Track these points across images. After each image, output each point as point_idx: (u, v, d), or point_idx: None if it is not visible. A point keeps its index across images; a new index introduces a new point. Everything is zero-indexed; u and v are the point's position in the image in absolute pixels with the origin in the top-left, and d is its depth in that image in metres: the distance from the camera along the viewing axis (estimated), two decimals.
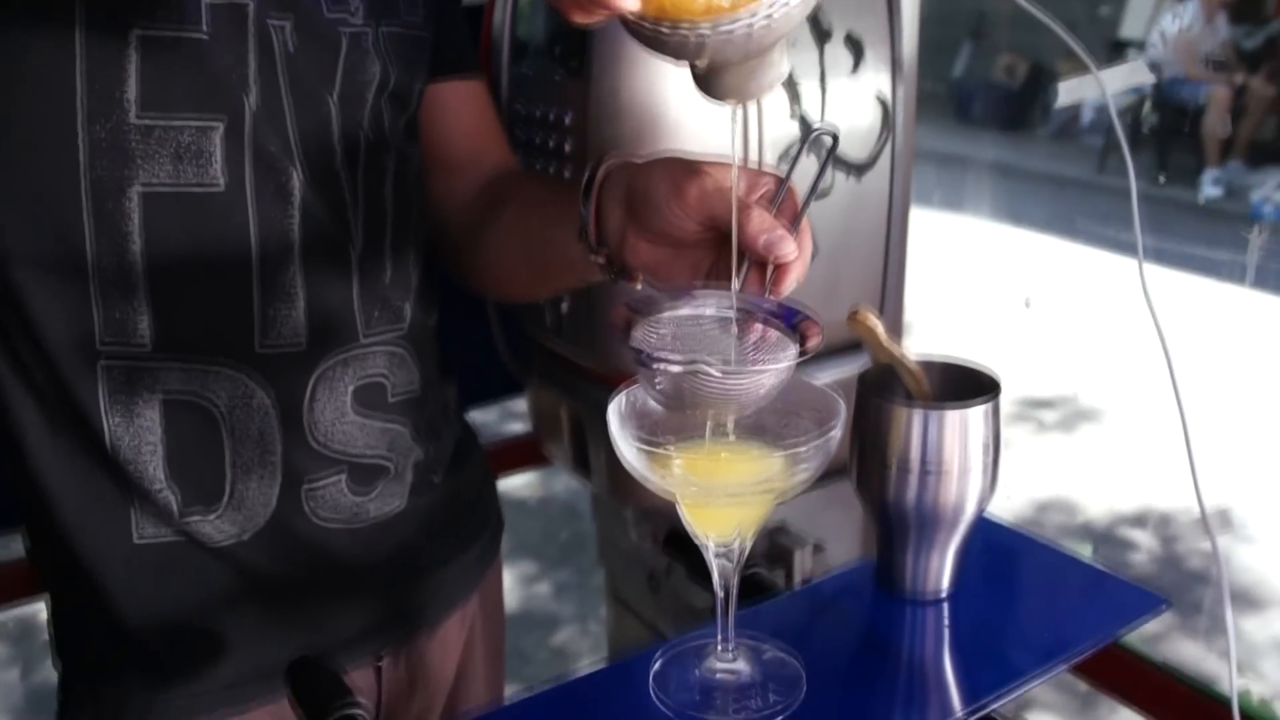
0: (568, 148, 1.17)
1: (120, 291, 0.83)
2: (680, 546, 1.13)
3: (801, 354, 0.66)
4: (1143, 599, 0.84)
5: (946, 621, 0.83)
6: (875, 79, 1.21)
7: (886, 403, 0.80)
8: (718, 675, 0.75)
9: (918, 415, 0.79)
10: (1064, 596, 0.86)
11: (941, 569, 0.84)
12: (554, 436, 1.39)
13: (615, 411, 0.68)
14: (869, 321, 0.79)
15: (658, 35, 0.57)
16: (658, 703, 0.73)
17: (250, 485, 0.90)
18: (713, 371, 0.63)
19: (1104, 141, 6.96)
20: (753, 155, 1.15)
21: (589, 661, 2.78)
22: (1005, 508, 0.83)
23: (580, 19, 0.58)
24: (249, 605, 0.92)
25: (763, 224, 0.70)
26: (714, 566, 0.73)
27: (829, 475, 0.69)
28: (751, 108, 1.14)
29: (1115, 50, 7.13)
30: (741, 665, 0.76)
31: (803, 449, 0.65)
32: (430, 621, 1.04)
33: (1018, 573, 0.91)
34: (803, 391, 0.70)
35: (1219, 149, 5.96)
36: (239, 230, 0.84)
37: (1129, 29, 7.60)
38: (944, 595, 0.85)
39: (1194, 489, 1.01)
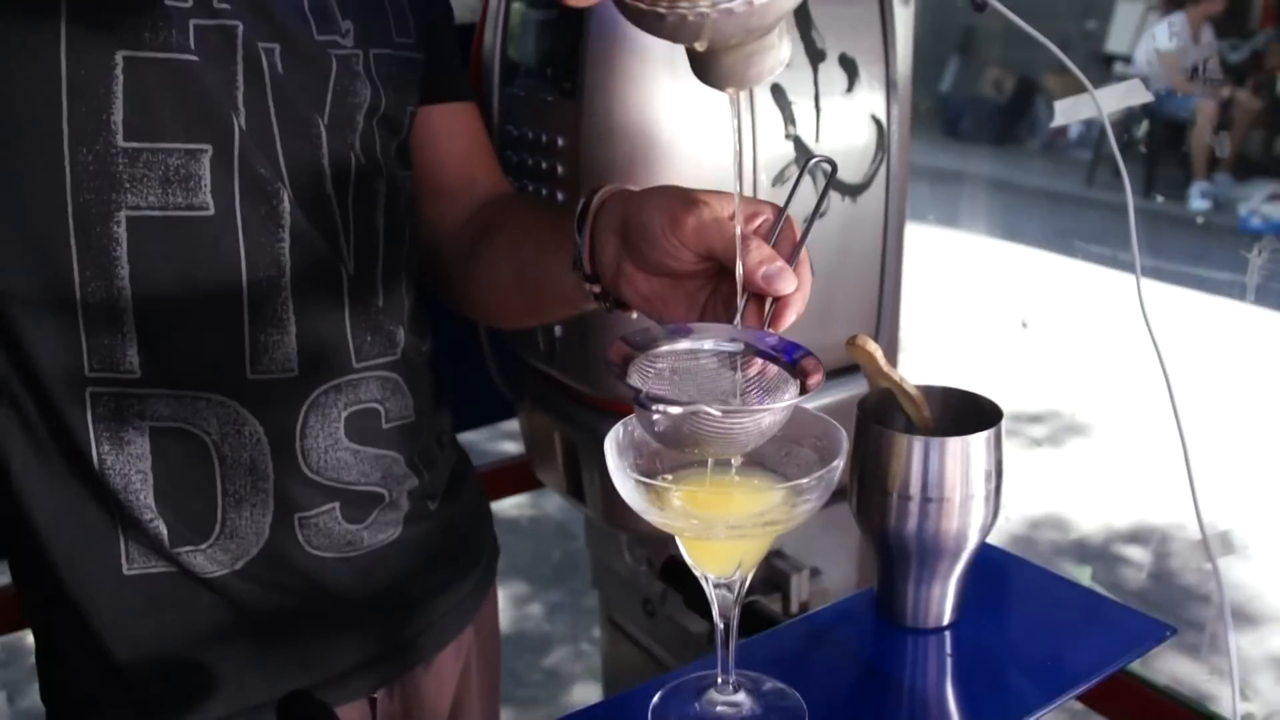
0: (560, 170, 1.17)
1: (108, 318, 0.81)
2: (678, 576, 1.12)
3: (802, 392, 0.65)
4: (1147, 627, 0.83)
5: (949, 651, 0.82)
6: (870, 99, 1.21)
7: (887, 431, 0.79)
8: (718, 709, 0.74)
9: (919, 444, 0.78)
10: (1068, 625, 0.85)
11: (944, 598, 0.83)
12: (547, 461, 1.38)
13: (613, 443, 0.67)
14: (868, 347, 0.78)
15: (655, 14, 0.54)
16: None
17: (242, 515, 0.88)
18: (713, 412, 0.62)
19: (1092, 155, 7.00)
20: (747, 176, 1.14)
21: (583, 685, 2.76)
22: (999, 526, 0.82)
23: (576, 0, 0.56)
24: (241, 639, 0.91)
25: (762, 256, 0.69)
26: (714, 598, 0.71)
27: (827, 500, 0.68)
28: (746, 128, 1.13)
29: (1102, 64, 7.17)
30: (742, 699, 0.75)
31: (805, 481, 0.64)
32: (426, 655, 1.02)
33: (1021, 601, 0.89)
34: (804, 421, 0.69)
35: (1207, 162, 5.99)
36: (229, 255, 0.83)
37: (1115, 43, 7.64)
38: (946, 624, 0.83)
39: (1195, 515, 1.01)
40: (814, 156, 0.79)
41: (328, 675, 0.93)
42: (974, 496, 0.78)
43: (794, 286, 0.69)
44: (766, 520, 0.66)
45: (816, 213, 0.73)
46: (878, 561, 0.84)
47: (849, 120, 1.20)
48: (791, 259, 0.70)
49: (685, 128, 1.10)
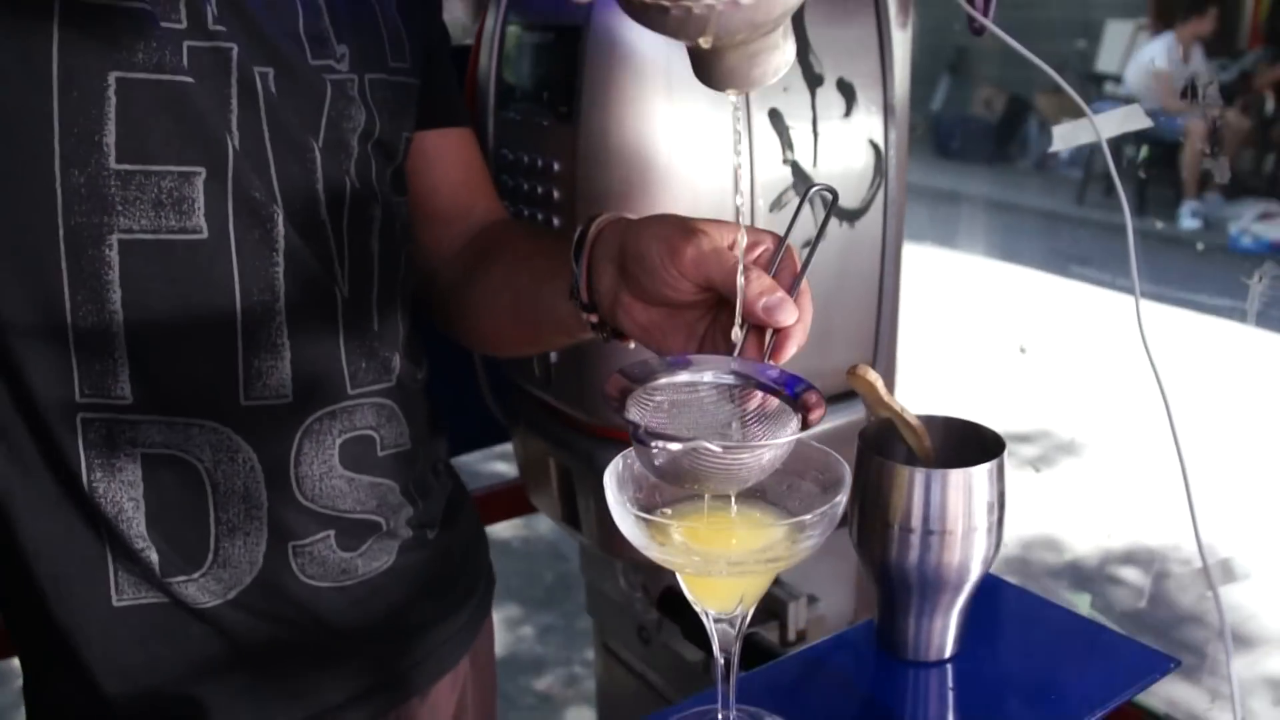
0: (556, 195, 1.16)
1: (99, 343, 0.80)
2: (676, 608, 1.11)
3: (804, 427, 0.64)
4: (1151, 659, 0.83)
5: (951, 685, 0.81)
6: (868, 123, 1.20)
7: (889, 462, 0.78)
8: None
9: (920, 476, 0.77)
10: (1071, 657, 0.84)
11: (945, 630, 0.82)
12: (542, 486, 1.37)
13: (613, 476, 0.66)
14: (869, 377, 0.77)
15: (659, 8, 0.53)
16: None
17: (236, 543, 0.87)
18: (714, 449, 0.61)
19: (1083, 174, 7.03)
20: (744, 202, 1.13)
21: (577, 710, 2.74)
22: None
23: None
24: (234, 671, 0.89)
25: (762, 287, 0.68)
26: (714, 633, 0.70)
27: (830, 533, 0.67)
28: (743, 151, 1.12)
29: (1092, 84, 7.21)
30: None
31: (809, 518, 0.63)
32: (421, 687, 1.00)
33: (1023, 633, 0.89)
34: (806, 454, 0.68)
35: (1197, 181, 6.02)
36: (222, 280, 0.82)
37: (1105, 63, 7.68)
38: (948, 657, 0.83)
39: (1196, 542, 1.00)
40: (814, 184, 0.78)
41: (322, 708, 0.92)
42: (976, 529, 0.78)
43: (795, 318, 0.68)
44: (769, 557, 0.65)
45: (817, 243, 0.72)
46: (878, 593, 0.83)
47: (847, 145, 1.20)
48: (792, 290, 0.69)
49: (682, 152, 1.10)
